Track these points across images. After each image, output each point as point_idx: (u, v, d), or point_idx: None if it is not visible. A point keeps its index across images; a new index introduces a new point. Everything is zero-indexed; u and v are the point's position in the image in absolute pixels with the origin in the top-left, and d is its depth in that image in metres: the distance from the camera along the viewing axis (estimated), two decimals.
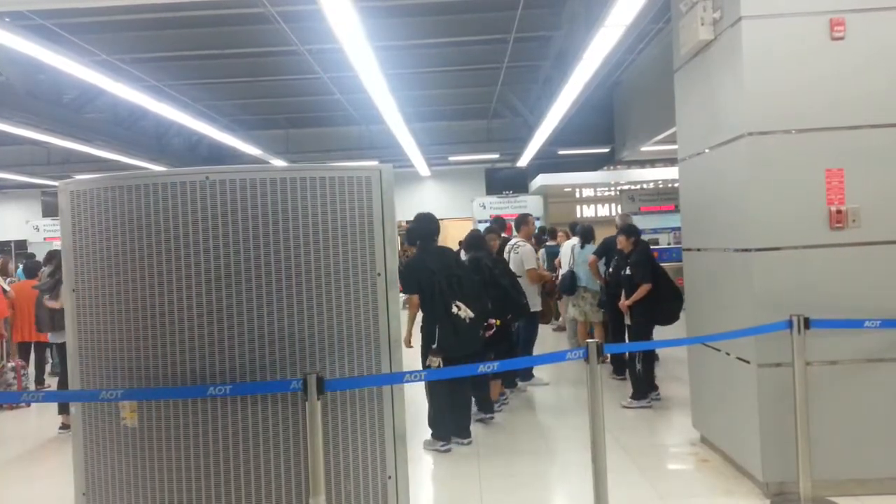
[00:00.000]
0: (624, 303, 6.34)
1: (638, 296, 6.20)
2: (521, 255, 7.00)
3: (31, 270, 8.58)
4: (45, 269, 6.98)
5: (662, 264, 6.88)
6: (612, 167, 16.60)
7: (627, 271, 6.38)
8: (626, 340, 6.62)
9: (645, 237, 10.24)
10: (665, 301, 6.18)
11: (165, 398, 2.96)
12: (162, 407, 2.97)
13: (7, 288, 7.91)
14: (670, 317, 6.26)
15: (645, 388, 6.21)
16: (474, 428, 5.56)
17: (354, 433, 3.03)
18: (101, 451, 3.08)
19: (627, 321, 6.45)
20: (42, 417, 6.95)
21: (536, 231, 10.53)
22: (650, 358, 6.35)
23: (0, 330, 7.49)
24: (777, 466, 3.93)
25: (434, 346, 5.03)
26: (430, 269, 5.10)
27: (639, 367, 6.21)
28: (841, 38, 3.91)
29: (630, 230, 6.60)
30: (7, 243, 18.73)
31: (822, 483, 3.82)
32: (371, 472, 3.04)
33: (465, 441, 5.32)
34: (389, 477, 3.06)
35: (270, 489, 2.95)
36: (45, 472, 5.26)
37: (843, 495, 3.86)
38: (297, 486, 2.96)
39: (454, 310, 4.98)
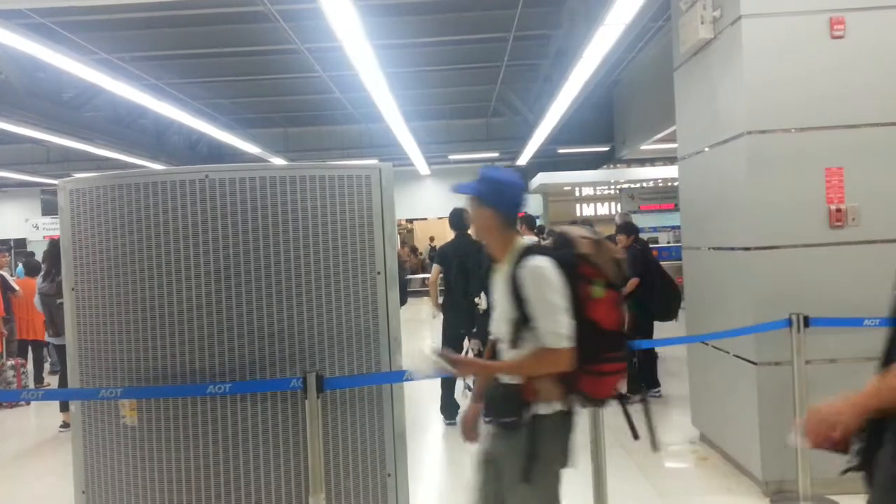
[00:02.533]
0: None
1: (627, 289, 6.28)
2: None
3: (32, 268, 8.59)
4: (43, 269, 6.99)
5: (662, 263, 6.90)
6: (611, 166, 16.60)
7: None
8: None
9: (644, 236, 10.28)
10: (661, 297, 6.21)
11: (165, 396, 2.96)
12: (161, 405, 2.97)
13: (16, 287, 7.93)
14: (667, 312, 6.30)
15: (640, 384, 6.28)
16: None
17: (354, 431, 3.03)
18: (101, 450, 3.08)
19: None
20: (41, 416, 6.95)
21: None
22: (650, 356, 6.38)
23: None
24: (776, 464, 3.93)
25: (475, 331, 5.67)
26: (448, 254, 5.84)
27: (634, 360, 6.28)
28: (841, 37, 3.91)
29: (628, 228, 6.67)
30: (6, 241, 18.74)
31: (822, 481, 3.82)
32: (370, 470, 3.04)
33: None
34: (389, 475, 3.06)
35: (270, 487, 2.96)
36: (45, 470, 5.27)
37: (842, 493, 3.87)
38: (296, 484, 2.97)
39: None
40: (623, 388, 2.37)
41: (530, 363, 2.21)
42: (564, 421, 2.29)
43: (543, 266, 2.18)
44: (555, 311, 2.15)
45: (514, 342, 2.25)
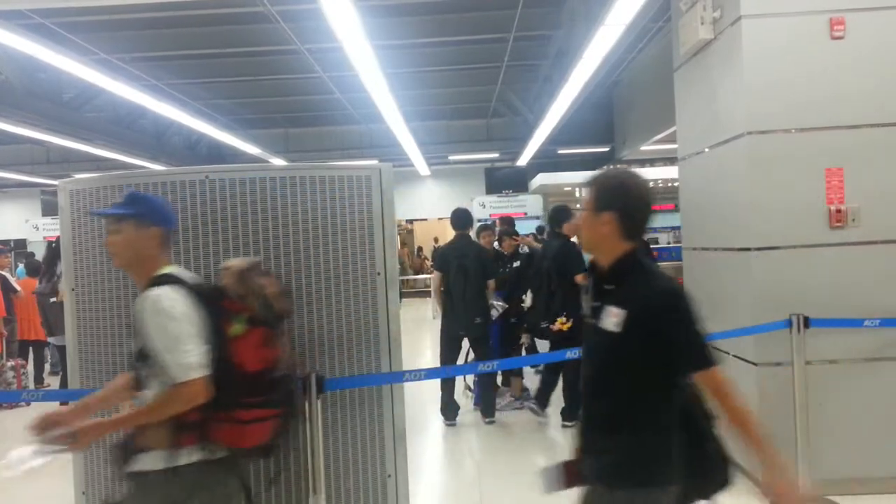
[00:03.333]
0: None
1: None
2: None
3: (33, 269, 8.61)
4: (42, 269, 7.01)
5: (661, 263, 6.92)
6: (611, 166, 16.59)
7: None
8: None
9: (644, 236, 10.29)
10: None
11: None
12: None
13: (17, 288, 7.94)
14: None
15: None
16: (474, 427, 5.56)
17: (354, 432, 3.03)
18: (101, 450, 3.08)
19: None
20: None
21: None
22: None
23: (0, 328, 7.50)
24: None
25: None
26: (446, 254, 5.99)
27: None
28: (841, 38, 3.91)
29: None
30: (7, 242, 18.75)
31: (822, 482, 3.82)
32: (371, 471, 3.04)
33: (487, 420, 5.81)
34: (389, 475, 3.06)
35: (270, 488, 2.95)
36: (45, 470, 5.26)
37: (843, 494, 3.87)
38: (296, 484, 2.96)
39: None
40: (277, 436, 2.17)
41: (161, 405, 1.97)
42: (198, 473, 2.01)
43: (162, 295, 1.98)
44: (178, 341, 1.94)
45: (142, 382, 2.05)
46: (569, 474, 2.12)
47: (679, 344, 1.91)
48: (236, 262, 2.19)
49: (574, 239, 6.09)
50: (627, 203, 1.95)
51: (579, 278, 5.63)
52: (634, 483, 1.89)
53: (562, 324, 5.38)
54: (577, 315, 5.53)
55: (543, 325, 5.46)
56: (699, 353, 1.91)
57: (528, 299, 5.71)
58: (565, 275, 5.45)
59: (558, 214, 5.91)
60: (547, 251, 5.77)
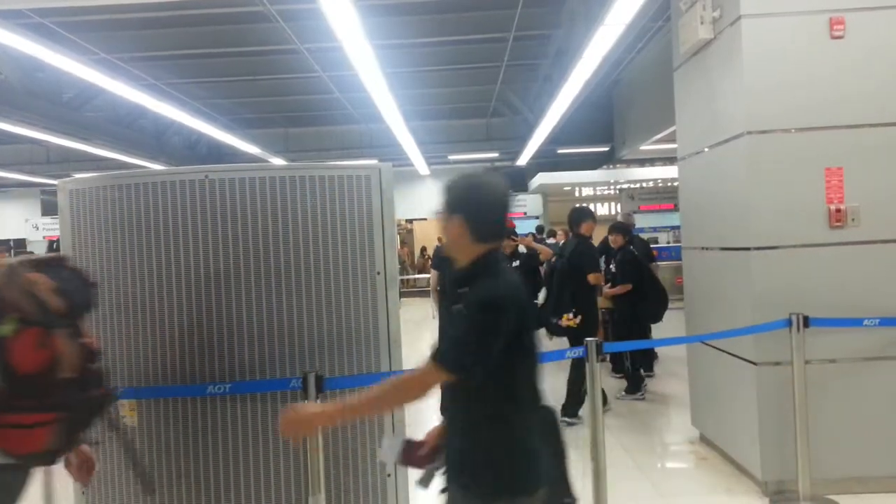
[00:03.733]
0: (607, 291, 6.59)
1: (617, 291, 6.47)
2: None
3: None
4: None
5: (661, 263, 6.95)
6: (611, 166, 16.60)
7: (612, 267, 6.71)
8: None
9: (644, 236, 10.29)
10: (647, 301, 6.36)
11: (164, 397, 2.96)
12: (161, 406, 2.97)
13: None
14: (653, 316, 6.48)
15: (637, 381, 6.40)
16: None
17: (354, 431, 3.03)
18: (101, 450, 3.08)
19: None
20: None
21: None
22: (644, 354, 6.54)
23: None
24: (776, 465, 3.93)
25: None
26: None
27: (627, 364, 6.45)
28: (840, 37, 3.91)
29: (620, 228, 6.83)
30: (6, 242, 18.73)
31: (822, 481, 3.82)
32: (370, 470, 3.04)
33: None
34: (389, 475, 3.06)
35: (270, 487, 2.96)
36: (44, 470, 5.26)
37: (842, 493, 3.87)
38: (296, 484, 2.97)
39: None
40: (63, 442, 2.08)
41: None
42: None
43: None
44: None
45: None
46: (412, 455, 2.06)
47: (447, 335, 1.95)
48: (6, 260, 2.11)
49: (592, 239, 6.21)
50: (474, 206, 1.93)
51: (591, 278, 5.70)
52: (474, 486, 1.87)
53: (568, 320, 5.43)
54: (587, 312, 5.60)
55: (553, 320, 5.54)
56: (445, 348, 1.88)
57: (541, 297, 5.76)
58: (578, 273, 5.55)
59: (577, 215, 6.08)
60: (564, 249, 5.91)
